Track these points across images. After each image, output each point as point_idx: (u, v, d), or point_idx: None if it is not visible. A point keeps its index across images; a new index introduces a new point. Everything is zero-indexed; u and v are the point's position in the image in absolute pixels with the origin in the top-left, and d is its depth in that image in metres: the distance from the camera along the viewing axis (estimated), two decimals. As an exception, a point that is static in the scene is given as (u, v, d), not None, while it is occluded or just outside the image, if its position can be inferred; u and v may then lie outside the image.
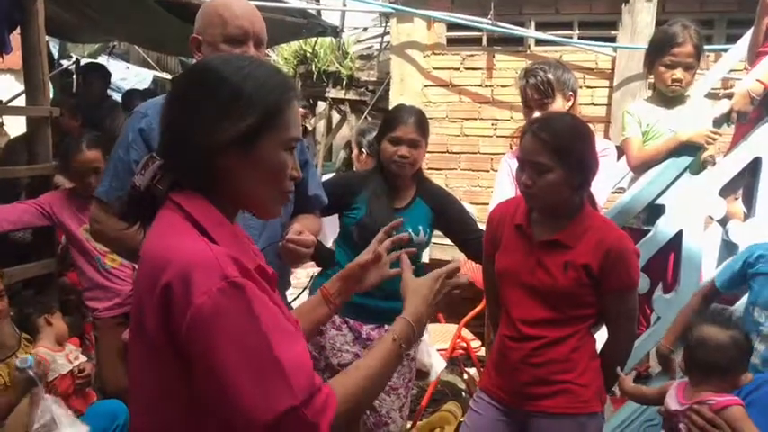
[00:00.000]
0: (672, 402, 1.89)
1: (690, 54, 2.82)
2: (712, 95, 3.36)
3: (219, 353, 1.00)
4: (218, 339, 1.00)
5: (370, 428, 2.56)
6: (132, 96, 5.83)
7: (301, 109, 2.78)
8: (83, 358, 2.79)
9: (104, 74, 5.77)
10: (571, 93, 2.56)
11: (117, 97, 6.72)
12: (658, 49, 2.89)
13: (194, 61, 1.91)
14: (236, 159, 1.12)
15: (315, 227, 2.10)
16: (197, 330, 1.00)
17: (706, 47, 4.22)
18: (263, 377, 1.01)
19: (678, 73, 2.84)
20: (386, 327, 2.54)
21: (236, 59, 1.23)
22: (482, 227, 2.46)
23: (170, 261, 1.03)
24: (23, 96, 3.66)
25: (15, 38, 3.45)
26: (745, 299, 2.43)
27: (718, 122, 2.78)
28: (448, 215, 2.61)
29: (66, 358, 2.70)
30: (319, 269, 2.71)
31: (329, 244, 2.84)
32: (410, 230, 2.50)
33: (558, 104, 2.53)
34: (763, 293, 2.23)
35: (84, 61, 6.91)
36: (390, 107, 4.98)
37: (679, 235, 2.80)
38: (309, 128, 7.86)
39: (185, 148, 1.12)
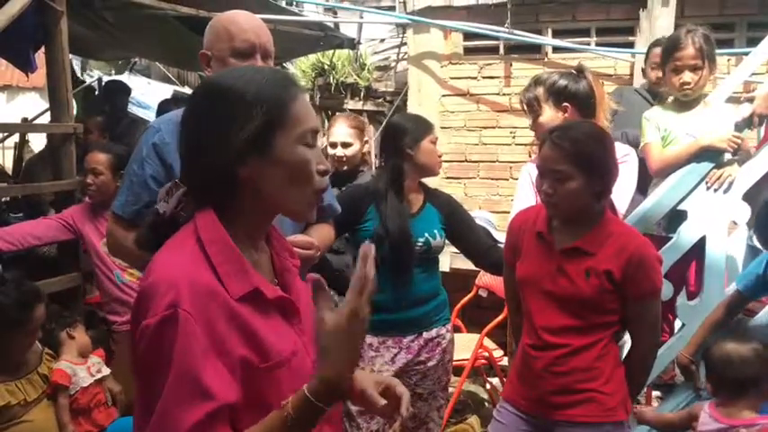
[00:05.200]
0: (709, 424, 1.86)
1: (693, 56, 2.81)
2: (734, 99, 3.32)
3: (140, 372, 1.04)
4: (144, 361, 1.03)
5: (410, 430, 2.60)
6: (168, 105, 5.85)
7: None
8: (106, 371, 2.81)
9: (126, 90, 5.83)
10: (566, 104, 2.47)
11: (139, 112, 6.80)
12: (664, 56, 2.91)
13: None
14: (256, 166, 1.10)
15: (328, 236, 2.10)
16: (139, 346, 1.03)
17: (727, 50, 4.21)
18: (144, 414, 1.02)
19: (686, 76, 2.83)
20: (424, 335, 2.56)
21: (235, 70, 1.22)
22: (502, 235, 2.45)
23: (151, 271, 1.07)
24: (48, 114, 3.72)
25: (40, 56, 3.52)
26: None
27: (739, 127, 2.76)
28: (457, 219, 2.63)
29: (88, 371, 2.72)
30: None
31: None
32: (427, 235, 2.51)
33: (548, 116, 2.47)
34: None
35: (105, 78, 7.02)
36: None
37: (702, 241, 2.77)
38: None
39: (204, 165, 1.11)
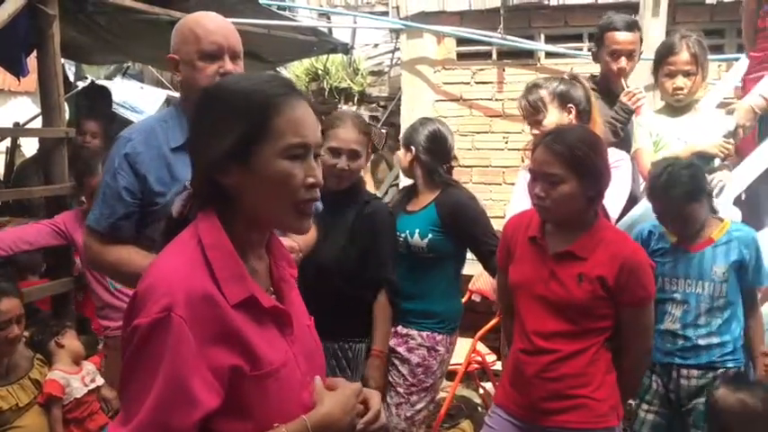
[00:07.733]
0: None
1: (687, 62, 2.82)
2: (724, 104, 3.34)
3: (126, 372, 1.04)
4: (131, 361, 1.03)
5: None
6: None
7: None
8: (100, 380, 2.78)
9: (105, 95, 5.77)
10: (571, 105, 2.51)
11: (132, 117, 6.76)
12: (658, 61, 2.92)
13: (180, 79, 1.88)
14: (237, 175, 1.10)
15: (311, 237, 2.09)
16: (128, 345, 1.04)
17: (717, 57, 4.23)
18: (128, 414, 1.02)
19: (678, 81, 2.84)
20: (399, 327, 2.63)
21: (239, 77, 1.24)
22: (495, 240, 2.46)
23: (149, 274, 1.08)
24: (40, 118, 3.70)
25: (32, 61, 3.50)
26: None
27: (728, 136, 2.78)
28: (459, 225, 2.61)
29: (82, 381, 2.69)
30: None
31: None
32: (407, 232, 2.60)
33: (554, 117, 2.50)
34: (666, 265, 2.38)
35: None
36: (402, 122, 5.00)
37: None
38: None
39: (196, 171, 1.15)
